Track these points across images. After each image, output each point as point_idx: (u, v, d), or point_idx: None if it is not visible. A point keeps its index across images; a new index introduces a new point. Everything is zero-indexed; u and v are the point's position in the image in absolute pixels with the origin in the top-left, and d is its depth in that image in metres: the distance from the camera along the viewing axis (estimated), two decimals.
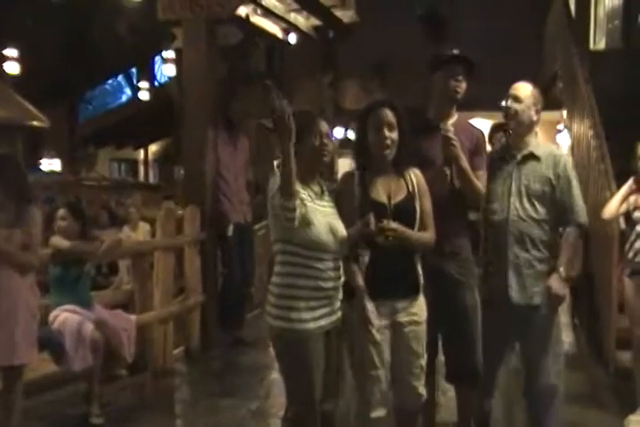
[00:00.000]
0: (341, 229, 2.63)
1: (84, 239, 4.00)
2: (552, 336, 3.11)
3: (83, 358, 3.65)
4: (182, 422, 4.08)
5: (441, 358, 3.12)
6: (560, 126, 10.13)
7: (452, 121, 3.03)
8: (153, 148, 18.01)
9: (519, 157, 3.17)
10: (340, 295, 2.66)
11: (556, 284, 3.00)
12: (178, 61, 11.66)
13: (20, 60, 11.36)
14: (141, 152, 17.80)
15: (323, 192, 2.70)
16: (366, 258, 2.65)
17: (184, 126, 5.71)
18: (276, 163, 2.53)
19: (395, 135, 2.67)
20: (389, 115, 2.68)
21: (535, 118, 3.18)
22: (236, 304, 5.61)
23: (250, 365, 4.95)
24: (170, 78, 13.86)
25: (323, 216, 2.60)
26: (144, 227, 6.92)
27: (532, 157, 3.16)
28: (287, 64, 10.86)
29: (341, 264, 2.64)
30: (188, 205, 5.32)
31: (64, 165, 13.26)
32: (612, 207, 3.95)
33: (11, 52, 11.32)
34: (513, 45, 9.94)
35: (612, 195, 4.99)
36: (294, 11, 7.85)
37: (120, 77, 17.00)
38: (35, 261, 3.34)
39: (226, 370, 4.95)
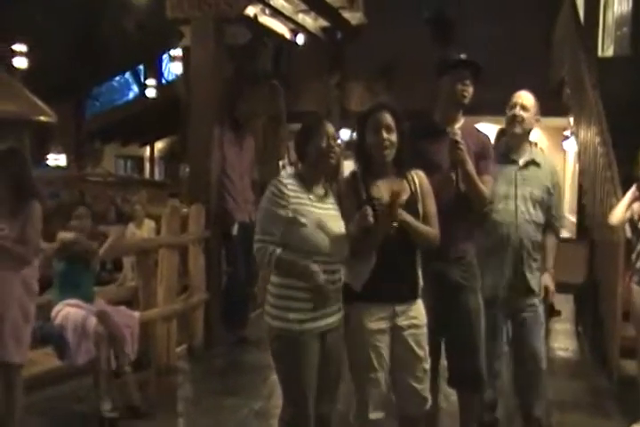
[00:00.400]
0: (340, 232, 2.62)
1: (91, 236, 4.02)
2: (542, 322, 3.43)
3: (86, 351, 3.65)
4: (184, 421, 4.08)
5: (443, 362, 3.12)
6: (567, 132, 10.13)
7: (458, 125, 3.03)
8: (159, 145, 18.03)
9: (521, 162, 3.36)
10: (340, 297, 2.66)
11: (549, 282, 3.38)
12: (185, 59, 11.69)
13: (28, 55, 11.41)
14: (147, 149, 17.82)
15: (326, 195, 2.70)
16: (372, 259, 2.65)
17: (190, 124, 5.72)
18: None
19: (393, 137, 2.68)
20: (388, 117, 2.69)
21: (534, 126, 3.41)
22: (239, 303, 5.63)
23: (253, 364, 4.96)
24: (177, 76, 13.91)
25: (320, 219, 2.60)
26: (149, 224, 6.94)
27: (534, 163, 3.38)
28: (294, 65, 10.87)
29: (340, 267, 2.65)
30: (193, 204, 5.33)
31: (70, 160, 13.30)
32: (619, 213, 3.97)
33: (20, 47, 11.38)
34: (520, 51, 9.92)
35: (619, 202, 5.01)
36: (302, 11, 7.86)
37: (127, 74, 17.05)
38: (30, 256, 3.27)
39: (229, 369, 4.95)
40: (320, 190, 2.69)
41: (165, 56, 15.57)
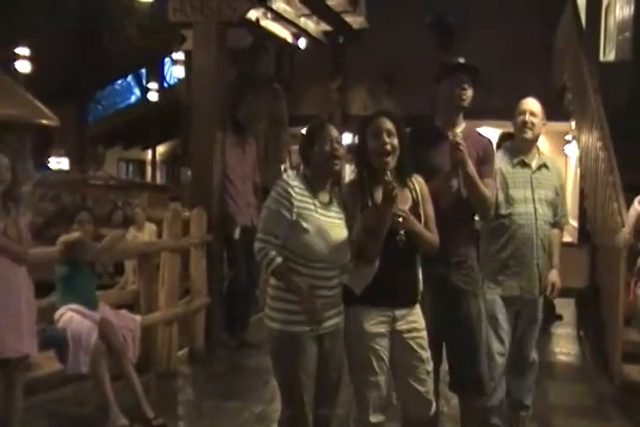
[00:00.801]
0: (342, 240, 2.62)
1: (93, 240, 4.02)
2: (540, 317, 3.59)
3: (83, 363, 3.60)
4: (185, 425, 4.07)
5: (444, 366, 3.12)
6: (568, 137, 10.14)
7: (459, 129, 3.03)
8: (161, 149, 18.06)
9: (534, 166, 3.49)
10: (339, 301, 2.66)
11: (557, 278, 3.52)
12: (187, 63, 11.72)
13: (31, 58, 11.45)
14: (149, 153, 17.85)
15: (331, 201, 2.69)
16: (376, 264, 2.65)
17: (192, 128, 5.73)
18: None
19: (395, 142, 2.66)
20: (388, 123, 2.68)
21: (542, 131, 3.55)
22: (241, 307, 5.62)
23: (254, 367, 4.94)
24: (179, 80, 13.94)
25: (323, 226, 2.59)
26: (150, 227, 6.95)
27: (544, 166, 3.52)
28: (296, 68, 10.91)
29: (339, 273, 2.64)
30: (194, 207, 5.34)
31: (72, 163, 13.32)
32: (627, 235, 3.97)
33: (23, 50, 11.41)
34: (522, 55, 9.94)
35: (620, 207, 5.01)
36: (304, 15, 7.89)
37: (130, 78, 17.07)
38: (25, 253, 3.34)
39: (230, 372, 4.95)
40: (325, 197, 2.68)
41: (167, 60, 15.61)
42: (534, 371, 3.60)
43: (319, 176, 2.67)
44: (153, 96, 15.28)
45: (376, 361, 2.65)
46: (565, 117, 7.89)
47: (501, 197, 3.43)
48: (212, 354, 5.28)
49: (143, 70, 16.58)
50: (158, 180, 17.48)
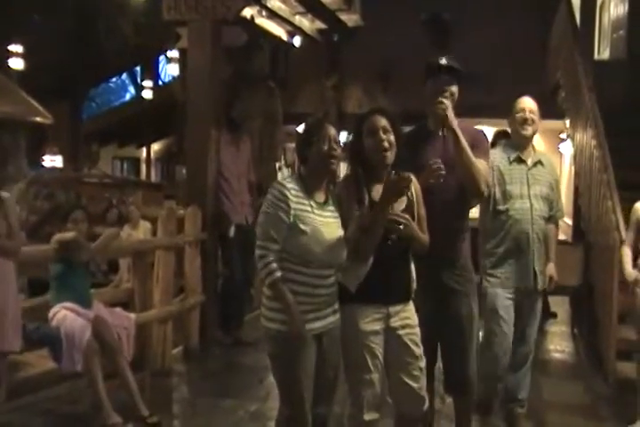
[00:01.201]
0: (338, 240, 2.62)
1: (87, 238, 4.01)
2: (540, 310, 3.74)
3: (77, 361, 3.61)
4: (180, 423, 4.07)
5: (440, 364, 3.12)
6: (563, 135, 10.15)
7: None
8: (156, 147, 18.01)
9: (530, 162, 3.61)
10: (335, 300, 2.67)
11: (554, 271, 3.66)
12: (182, 61, 11.68)
13: (24, 56, 11.39)
14: (144, 151, 17.80)
15: (327, 201, 2.69)
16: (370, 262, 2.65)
17: (187, 126, 5.72)
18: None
19: (392, 138, 2.67)
20: (383, 120, 2.69)
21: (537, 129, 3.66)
22: (235, 305, 5.62)
23: (249, 365, 4.95)
24: (174, 78, 13.89)
25: (320, 226, 2.59)
26: (145, 225, 6.93)
27: (540, 162, 3.64)
28: (291, 66, 10.88)
29: (334, 271, 2.64)
30: (189, 205, 5.33)
31: (66, 161, 13.27)
32: (630, 270, 3.93)
33: (16, 47, 11.35)
34: (517, 53, 9.94)
35: (614, 205, 5.02)
36: (299, 13, 7.88)
37: (124, 76, 17.02)
38: (19, 248, 3.39)
39: (225, 370, 4.95)
40: (321, 197, 2.68)
41: (162, 58, 15.55)
42: (529, 365, 3.68)
43: (316, 175, 2.67)
44: (147, 94, 15.21)
45: (371, 359, 2.66)
46: (560, 116, 7.90)
47: (499, 193, 3.54)
48: (206, 352, 5.28)
49: (138, 68, 16.52)
50: (153, 178, 17.42)
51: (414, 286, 2.78)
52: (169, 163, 17.79)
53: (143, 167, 17.98)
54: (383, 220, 2.58)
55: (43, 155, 12.54)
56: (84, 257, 3.98)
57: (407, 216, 2.64)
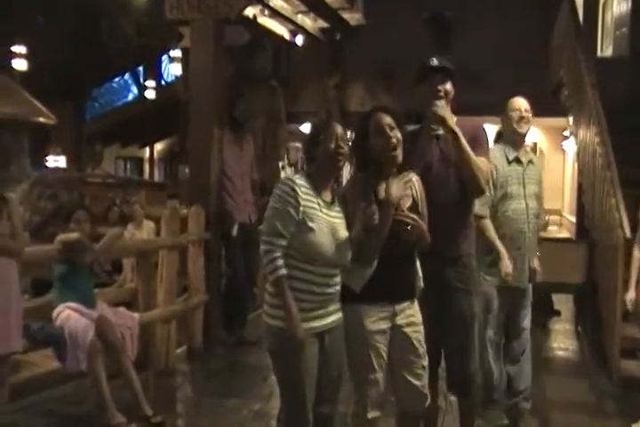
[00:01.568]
0: (344, 240, 2.61)
1: (90, 238, 4.02)
2: (530, 303, 3.80)
3: (81, 361, 3.62)
4: (184, 422, 4.07)
5: (443, 363, 3.12)
6: (566, 133, 10.14)
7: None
8: (159, 146, 18.03)
9: (525, 161, 3.69)
10: (337, 299, 2.66)
11: (538, 265, 3.76)
12: (185, 61, 11.70)
13: (28, 56, 11.41)
14: (147, 150, 17.83)
15: (333, 201, 2.68)
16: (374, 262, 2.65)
17: (190, 125, 5.72)
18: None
19: (399, 135, 2.66)
20: (387, 118, 2.68)
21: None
22: (238, 304, 5.62)
23: (252, 365, 4.95)
24: (176, 77, 13.92)
25: (327, 225, 2.59)
26: (148, 225, 6.94)
27: (531, 162, 3.74)
28: (294, 65, 10.88)
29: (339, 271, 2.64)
30: (192, 204, 5.33)
31: (69, 162, 13.30)
32: (630, 295, 3.97)
33: (19, 48, 11.38)
34: (520, 51, 9.92)
35: (617, 202, 5.01)
36: (302, 12, 7.87)
37: (127, 76, 17.04)
38: (22, 249, 3.40)
39: (228, 370, 4.95)
40: (328, 196, 2.66)
41: (165, 57, 15.57)
42: (527, 356, 3.74)
43: (323, 174, 2.65)
44: (150, 94, 15.24)
45: (376, 359, 2.66)
46: (563, 113, 7.88)
47: (499, 194, 3.57)
48: (210, 352, 5.29)
49: (140, 68, 16.53)
50: (156, 177, 17.45)
51: (421, 283, 2.78)
52: (172, 162, 17.80)
53: (146, 167, 18.00)
54: (389, 220, 2.58)
55: (46, 155, 12.57)
56: (87, 258, 3.98)
57: (414, 216, 2.64)
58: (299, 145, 9.09)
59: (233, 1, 5.42)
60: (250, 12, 7.00)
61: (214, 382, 4.67)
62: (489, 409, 3.68)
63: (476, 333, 3.06)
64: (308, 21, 8.13)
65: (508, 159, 3.64)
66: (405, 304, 2.72)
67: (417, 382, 2.73)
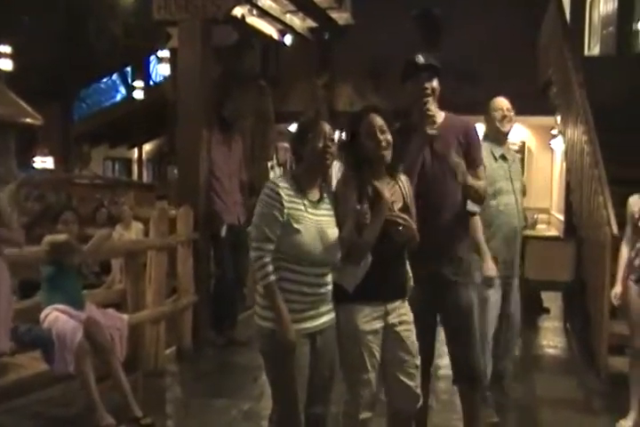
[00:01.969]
0: (332, 238, 2.61)
1: (78, 240, 3.99)
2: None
3: (69, 362, 3.60)
4: (173, 423, 4.06)
5: (436, 362, 3.12)
6: (554, 131, 10.18)
7: (439, 120, 3.03)
8: (147, 147, 17.96)
9: (510, 158, 3.85)
10: (329, 299, 2.65)
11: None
12: (173, 61, 11.63)
13: (13, 56, 11.33)
14: (135, 151, 17.75)
15: (321, 199, 2.67)
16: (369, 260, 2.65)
17: (178, 126, 5.71)
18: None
19: (389, 137, 2.67)
20: (379, 119, 2.69)
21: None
22: (228, 305, 5.61)
23: (242, 365, 4.94)
24: (164, 78, 13.85)
25: (313, 225, 2.58)
26: (137, 226, 6.91)
27: (514, 159, 3.91)
28: (282, 65, 10.88)
29: (330, 270, 2.64)
30: (181, 205, 5.32)
31: (57, 162, 13.22)
32: (616, 290, 3.95)
33: (4, 48, 11.29)
34: (507, 49, 9.97)
35: (605, 200, 5.03)
36: (290, 12, 7.86)
37: (115, 76, 16.95)
38: (20, 239, 3.43)
39: (218, 370, 4.94)
40: (315, 195, 2.66)
41: (153, 58, 15.50)
42: (513, 332, 3.91)
43: (310, 173, 2.65)
44: (138, 94, 15.16)
45: (369, 359, 2.66)
46: (551, 112, 7.92)
47: (490, 190, 3.55)
48: (199, 352, 5.28)
49: (128, 68, 16.46)
50: (145, 178, 17.36)
51: (411, 283, 2.78)
52: (160, 163, 17.75)
53: (135, 168, 17.91)
54: (382, 220, 2.58)
55: (33, 156, 12.49)
56: (75, 259, 3.96)
57: (406, 216, 2.64)
58: (287, 145, 9.08)
59: (221, 1, 5.41)
60: (238, 11, 6.98)
61: (204, 383, 4.66)
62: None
63: (476, 324, 3.06)
64: (296, 21, 8.12)
65: (494, 157, 3.73)
66: (397, 303, 2.72)
67: (410, 382, 2.73)
